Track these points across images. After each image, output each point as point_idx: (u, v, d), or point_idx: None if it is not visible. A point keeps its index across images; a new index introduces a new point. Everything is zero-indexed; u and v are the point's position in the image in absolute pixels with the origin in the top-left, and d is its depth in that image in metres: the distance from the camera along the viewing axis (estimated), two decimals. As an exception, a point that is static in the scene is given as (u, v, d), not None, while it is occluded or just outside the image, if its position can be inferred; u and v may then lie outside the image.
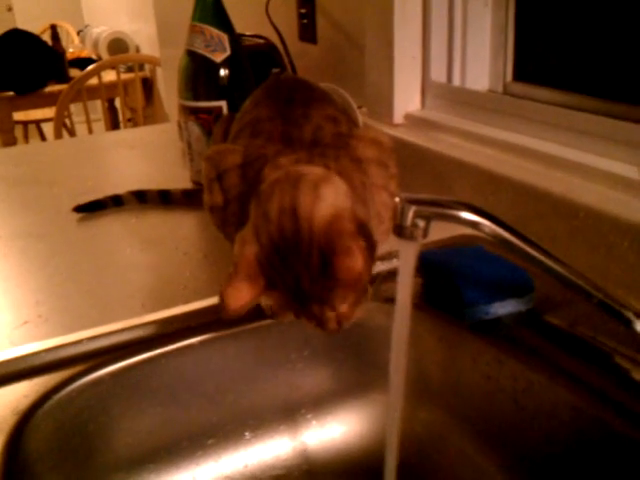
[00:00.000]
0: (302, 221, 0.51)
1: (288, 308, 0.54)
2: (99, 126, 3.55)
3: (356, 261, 0.49)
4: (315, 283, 0.51)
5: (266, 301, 0.54)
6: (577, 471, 0.58)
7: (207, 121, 0.98)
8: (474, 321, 0.66)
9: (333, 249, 0.50)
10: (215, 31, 0.97)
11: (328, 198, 0.52)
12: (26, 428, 0.57)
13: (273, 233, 0.52)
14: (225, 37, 0.97)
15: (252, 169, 0.61)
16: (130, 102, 3.39)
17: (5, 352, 0.64)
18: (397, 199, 0.51)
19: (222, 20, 0.98)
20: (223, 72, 0.98)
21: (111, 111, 3.69)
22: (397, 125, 1.04)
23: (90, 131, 3.12)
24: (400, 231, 0.51)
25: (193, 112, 0.99)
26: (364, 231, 0.53)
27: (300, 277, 0.51)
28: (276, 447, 0.72)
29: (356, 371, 0.75)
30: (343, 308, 0.53)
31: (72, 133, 3.48)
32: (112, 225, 0.94)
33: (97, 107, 3.75)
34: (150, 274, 0.79)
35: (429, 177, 0.93)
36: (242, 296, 0.51)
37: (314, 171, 0.55)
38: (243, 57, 1.00)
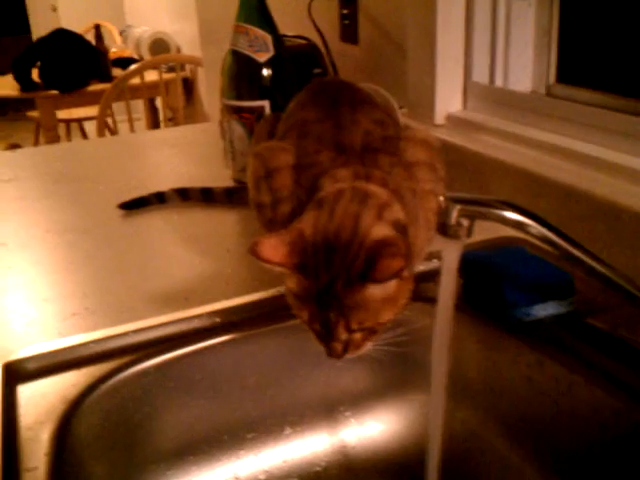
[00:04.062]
0: (360, 230, 0.53)
1: (307, 302, 0.54)
2: (140, 125, 3.60)
3: (397, 263, 0.50)
4: (348, 287, 0.52)
5: (290, 283, 0.55)
6: (617, 474, 0.57)
7: (250, 120, 1.00)
8: (515, 322, 0.66)
9: (380, 253, 0.51)
10: (259, 31, 0.98)
11: (387, 224, 0.54)
12: (74, 416, 0.59)
13: (330, 228, 0.53)
14: (269, 37, 0.99)
15: (307, 174, 0.62)
16: (171, 102, 3.43)
17: (54, 342, 0.66)
18: (441, 198, 0.51)
19: (266, 21, 0.99)
20: (266, 72, 0.99)
21: (152, 110, 3.74)
22: (438, 126, 1.04)
23: (132, 130, 3.17)
24: (444, 230, 0.51)
25: (236, 111, 1.01)
26: (411, 262, 0.55)
27: (336, 277, 0.52)
28: (315, 444, 0.73)
29: (395, 370, 0.75)
30: (356, 335, 0.54)
31: (114, 132, 3.53)
32: (155, 221, 0.96)
33: (138, 106, 3.80)
34: (193, 270, 0.80)
35: (470, 178, 0.93)
36: (274, 254, 0.52)
37: (378, 193, 0.57)
38: (286, 57, 1.02)
